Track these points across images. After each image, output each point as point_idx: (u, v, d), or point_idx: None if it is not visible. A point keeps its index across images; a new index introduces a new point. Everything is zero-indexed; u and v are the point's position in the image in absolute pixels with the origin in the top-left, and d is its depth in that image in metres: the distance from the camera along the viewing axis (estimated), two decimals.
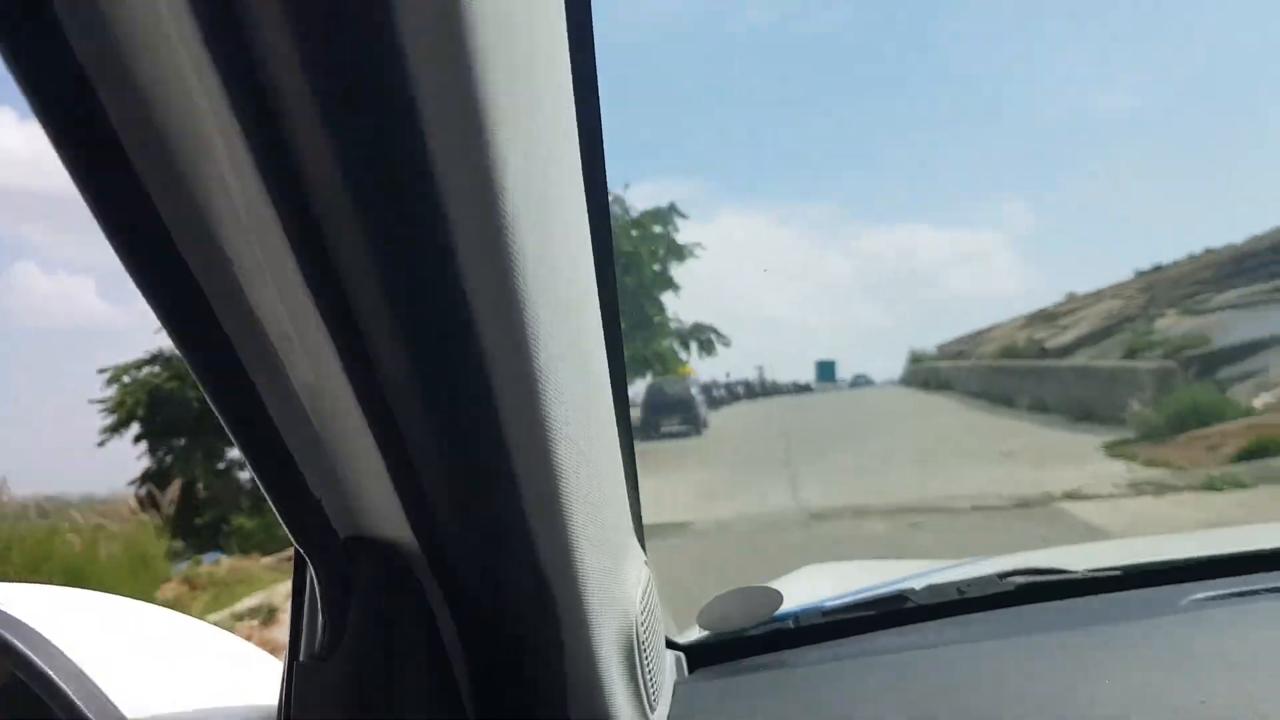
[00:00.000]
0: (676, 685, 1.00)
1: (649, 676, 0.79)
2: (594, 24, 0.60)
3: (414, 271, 0.48)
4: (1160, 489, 10.57)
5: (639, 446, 0.88)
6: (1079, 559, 1.34)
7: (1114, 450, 13.75)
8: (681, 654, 1.10)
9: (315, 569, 0.63)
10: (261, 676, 0.83)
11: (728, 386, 48.76)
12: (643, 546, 0.89)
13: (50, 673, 0.64)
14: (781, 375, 66.65)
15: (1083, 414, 17.81)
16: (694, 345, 24.11)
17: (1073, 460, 13.38)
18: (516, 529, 0.61)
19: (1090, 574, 1.24)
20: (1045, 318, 36.17)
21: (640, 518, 0.84)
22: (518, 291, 0.49)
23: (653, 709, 0.80)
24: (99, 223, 0.45)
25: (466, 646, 0.67)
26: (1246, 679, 0.84)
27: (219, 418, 0.55)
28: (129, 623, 0.83)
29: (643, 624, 0.79)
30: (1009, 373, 24.83)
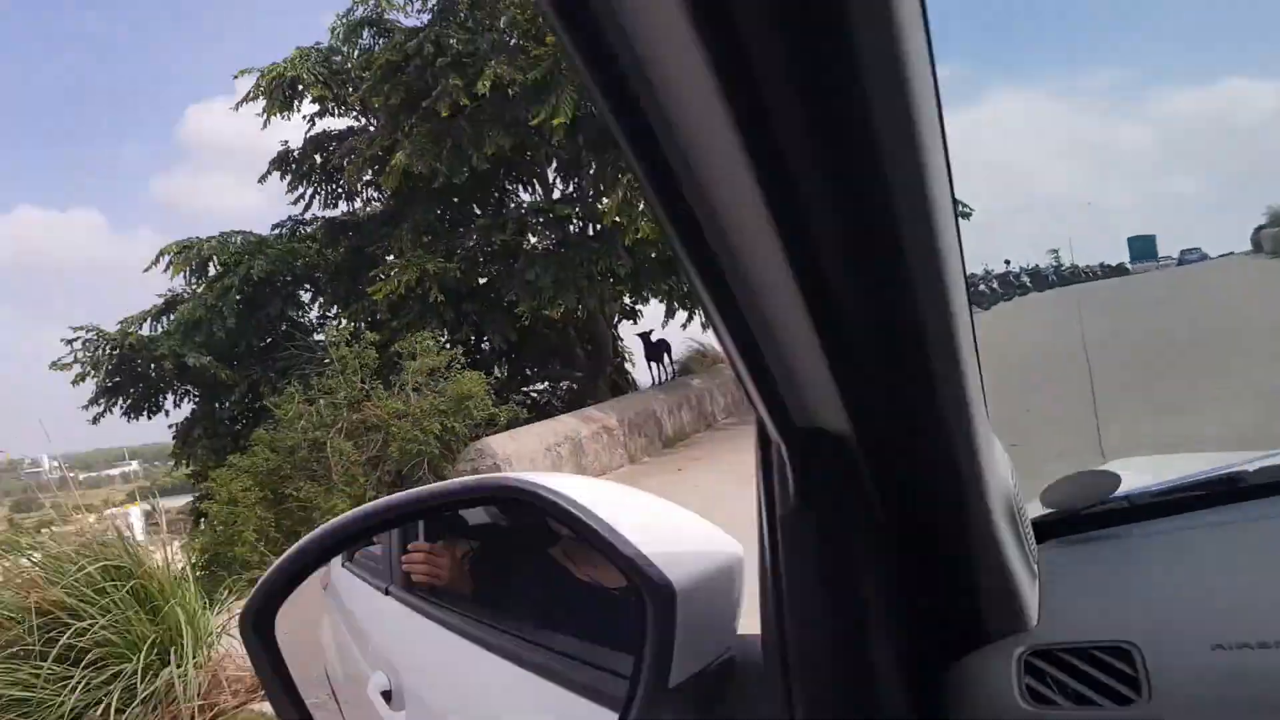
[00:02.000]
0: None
1: (1029, 543, 0.95)
2: None
3: (864, 219, 0.58)
4: None
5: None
6: None
7: None
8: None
9: (782, 451, 0.81)
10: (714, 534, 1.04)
11: (1003, 278, 37.98)
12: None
13: (588, 521, 0.91)
14: (1084, 258, 54.65)
15: None
16: None
17: None
18: (934, 422, 0.74)
19: None
20: None
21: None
22: (937, 232, 0.60)
23: (1034, 574, 0.95)
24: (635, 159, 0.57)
25: (893, 511, 0.81)
26: None
27: (718, 329, 0.70)
28: (617, 494, 1.07)
29: (1016, 497, 0.93)
30: None
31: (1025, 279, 41.33)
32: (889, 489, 0.80)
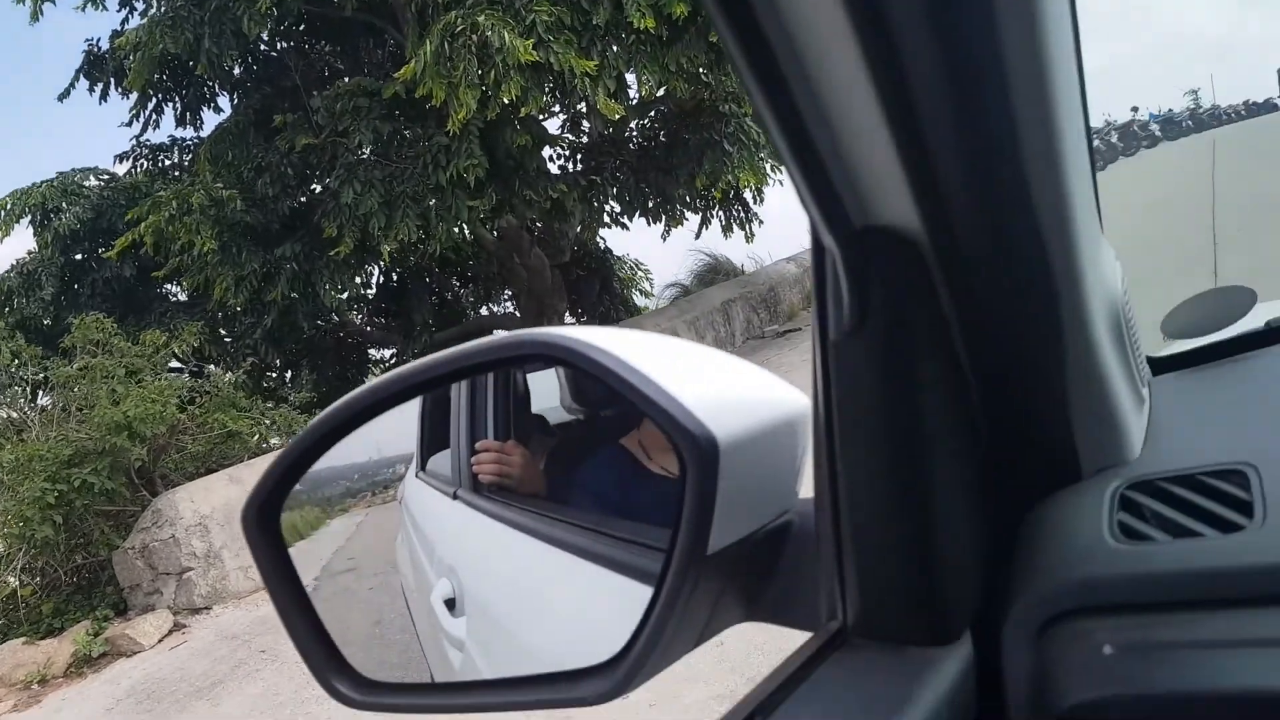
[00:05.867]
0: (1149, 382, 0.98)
1: (1137, 363, 0.85)
2: None
3: None
4: None
5: None
6: None
7: None
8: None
9: (837, 255, 0.68)
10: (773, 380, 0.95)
11: (1126, 129, 31.50)
12: None
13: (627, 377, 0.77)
14: (1227, 98, 47.52)
15: None
16: None
17: None
18: (1019, 211, 0.65)
19: None
20: None
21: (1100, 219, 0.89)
22: None
23: (1141, 400, 0.85)
24: None
25: (966, 317, 0.71)
26: None
27: (766, 119, 0.60)
28: (664, 346, 0.93)
29: (1126, 307, 0.84)
30: None
31: (1155, 128, 34.99)
32: (966, 298, 0.70)
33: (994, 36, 0.56)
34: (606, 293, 15.14)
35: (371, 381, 0.96)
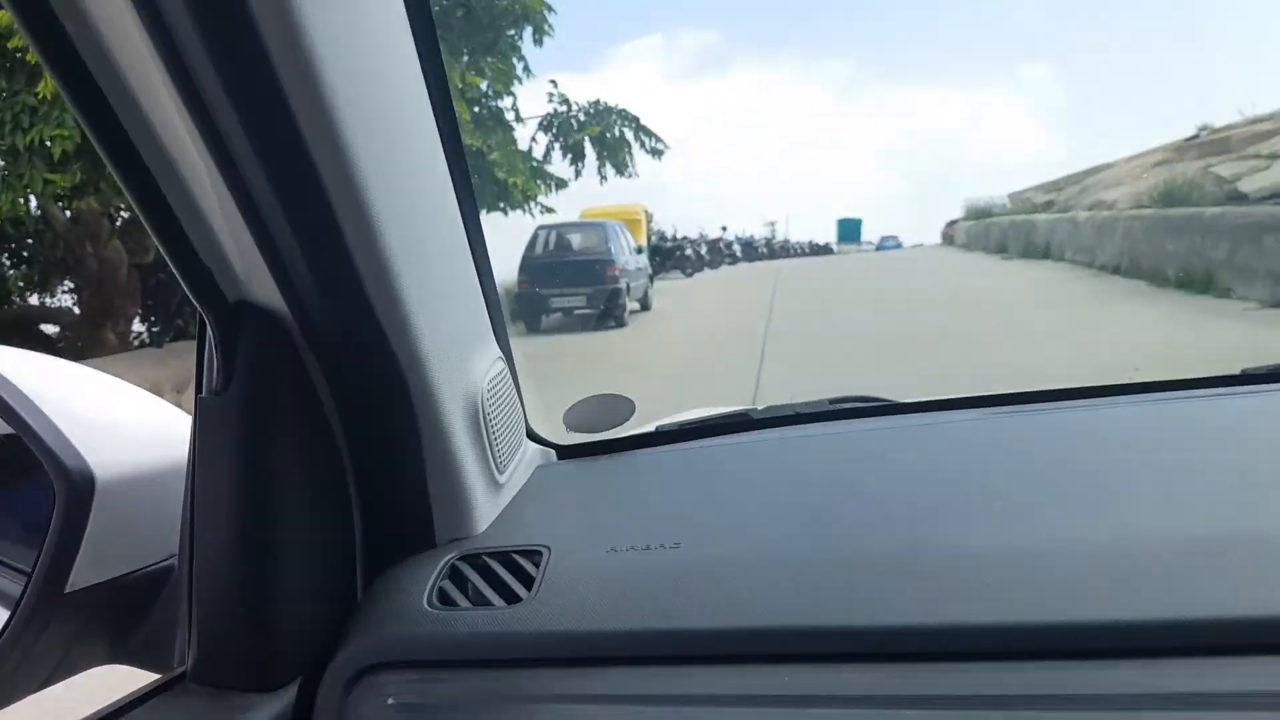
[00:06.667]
0: (539, 468, 1.15)
1: (494, 442, 0.95)
2: None
3: (263, 110, 0.61)
4: None
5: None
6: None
7: None
8: (552, 450, 1.23)
9: (209, 326, 0.74)
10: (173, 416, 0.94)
11: (714, 245, 35.43)
12: (504, 348, 1.06)
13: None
14: (798, 234, 55.83)
15: None
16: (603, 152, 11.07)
17: None
18: (357, 305, 0.73)
19: (909, 403, 1.36)
20: (1211, 146, 21.85)
21: (502, 322, 1.02)
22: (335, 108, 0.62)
23: (500, 470, 0.97)
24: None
25: (337, 398, 0.79)
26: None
27: (134, 206, 0.66)
28: (67, 372, 0.95)
29: (489, 400, 0.94)
30: (1205, 229, 11.86)
31: (737, 248, 39.70)
32: (333, 375, 0.78)
33: (309, 162, 0.64)
34: (190, 304, 14.08)
35: None
